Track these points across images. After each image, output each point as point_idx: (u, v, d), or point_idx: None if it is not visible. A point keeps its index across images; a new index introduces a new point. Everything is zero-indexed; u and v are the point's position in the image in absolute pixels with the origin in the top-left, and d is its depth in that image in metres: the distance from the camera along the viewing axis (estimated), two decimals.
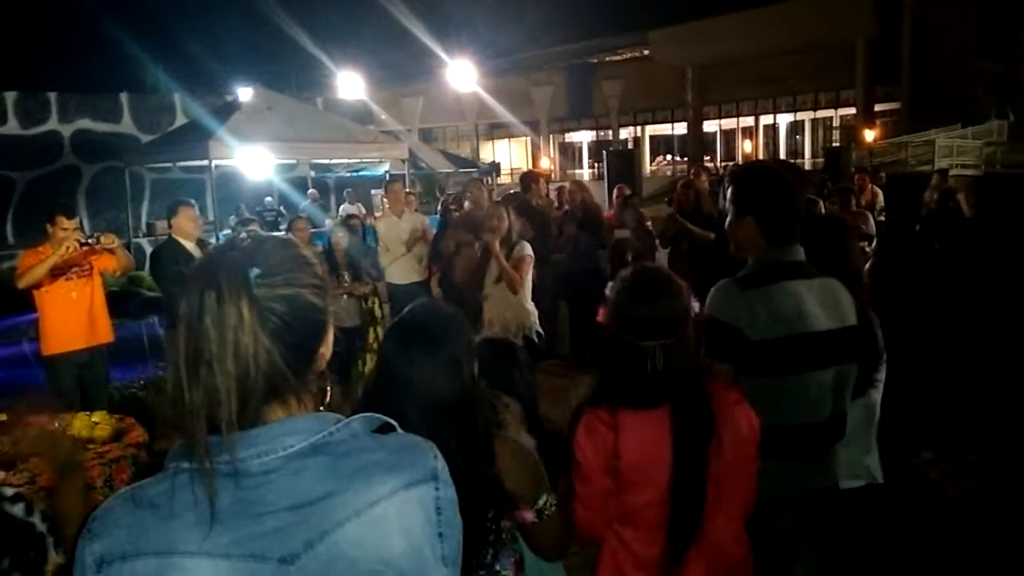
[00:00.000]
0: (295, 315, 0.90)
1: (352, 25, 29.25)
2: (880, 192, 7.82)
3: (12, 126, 12.10)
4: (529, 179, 6.91)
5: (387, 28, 25.95)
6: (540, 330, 4.67)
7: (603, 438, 1.55)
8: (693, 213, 6.32)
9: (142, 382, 5.89)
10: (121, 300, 10.10)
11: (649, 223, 6.67)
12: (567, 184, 7.49)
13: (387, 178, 12.44)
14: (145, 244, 12.56)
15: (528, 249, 4.69)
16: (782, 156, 28.50)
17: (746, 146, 29.66)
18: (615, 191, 7.05)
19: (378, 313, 6.30)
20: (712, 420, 1.54)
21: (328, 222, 12.86)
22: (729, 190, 1.99)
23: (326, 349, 0.96)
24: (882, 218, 7.55)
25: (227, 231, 11.33)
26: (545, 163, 25.85)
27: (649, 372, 1.54)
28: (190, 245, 5.08)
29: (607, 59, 30.56)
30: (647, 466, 1.54)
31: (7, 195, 12.07)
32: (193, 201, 5.36)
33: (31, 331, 5.00)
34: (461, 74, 24.18)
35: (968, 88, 20.49)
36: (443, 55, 24.37)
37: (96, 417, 3.18)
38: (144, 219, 13.33)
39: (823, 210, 5.88)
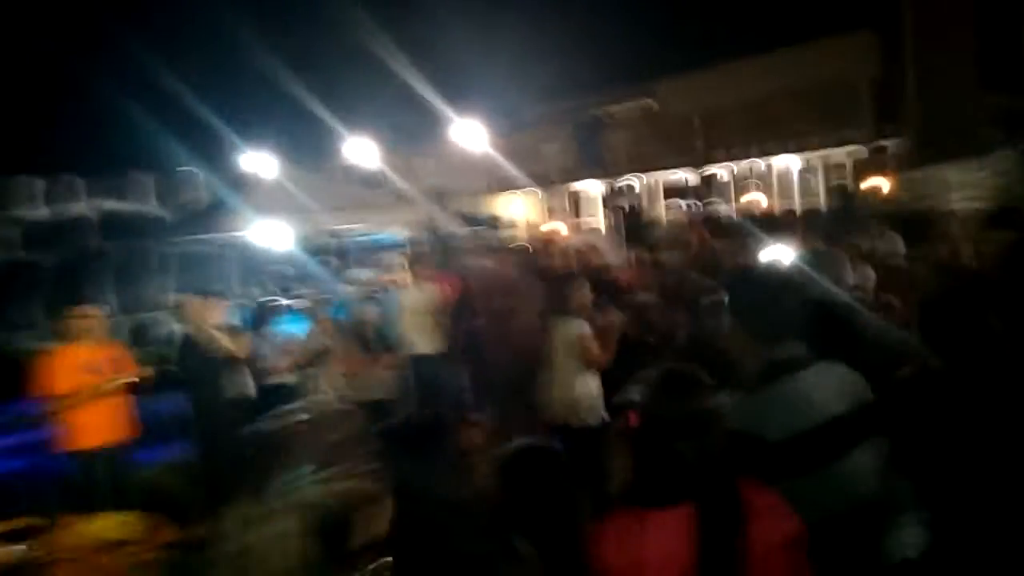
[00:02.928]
0: (347, 508, 0.90)
1: (362, 91, 29.98)
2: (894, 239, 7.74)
3: (43, 211, 12.48)
4: (548, 244, 7.02)
5: (396, 92, 26.57)
6: (607, 415, 4.34)
7: (629, 539, 1.56)
8: (710, 269, 6.39)
9: (167, 466, 5.96)
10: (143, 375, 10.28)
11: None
12: (580, 246, 7.60)
13: (406, 243, 12.65)
14: (168, 319, 12.75)
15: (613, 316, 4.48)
16: (796, 198, 28.59)
17: (756, 191, 29.78)
18: (632, 255, 7.12)
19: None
20: (739, 522, 1.53)
21: (349, 289, 13.07)
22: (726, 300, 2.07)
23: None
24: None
25: (245, 302, 11.52)
26: (552, 222, 26.07)
27: (679, 472, 1.56)
28: (216, 332, 5.25)
29: (614, 111, 31.06)
30: (668, 570, 1.55)
31: (38, 279, 12.36)
32: (220, 289, 5.55)
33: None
34: (470, 134, 24.64)
35: (973, 122, 20.56)
36: (451, 116, 24.85)
37: (127, 517, 3.23)
38: (168, 294, 13.55)
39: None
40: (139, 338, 12.71)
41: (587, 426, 4.36)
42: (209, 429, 5.24)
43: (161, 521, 3.45)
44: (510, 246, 14.69)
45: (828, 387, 1.91)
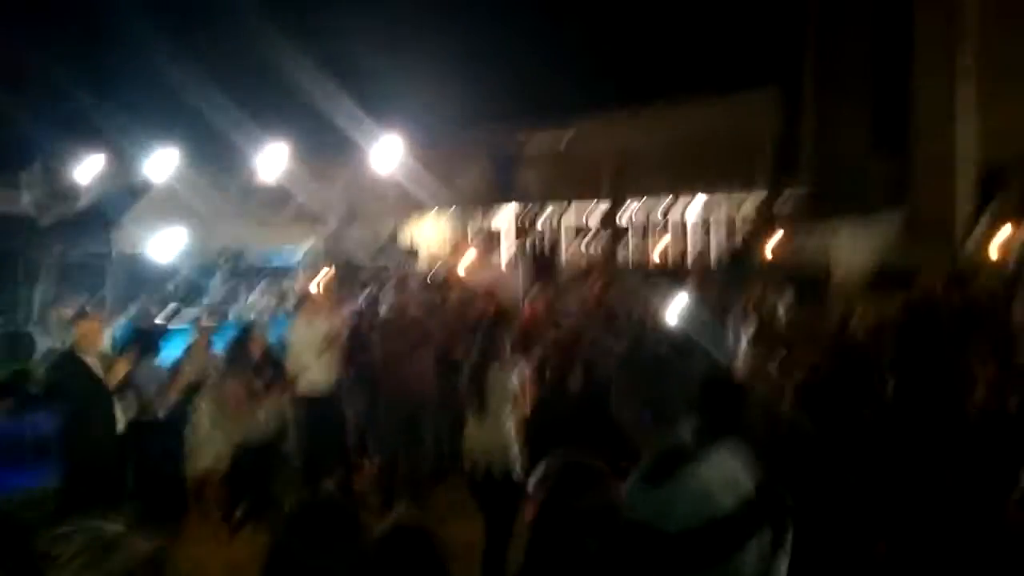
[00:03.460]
0: None
1: (274, 100, 29.17)
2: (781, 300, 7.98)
3: None
4: (440, 287, 6.91)
5: (311, 103, 25.99)
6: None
7: None
8: (605, 320, 6.40)
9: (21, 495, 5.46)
10: (4, 392, 9.45)
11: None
12: (479, 292, 7.51)
13: (303, 266, 12.24)
14: (37, 332, 11.83)
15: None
16: (690, 248, 29.65)
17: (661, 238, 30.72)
18: (533, 295, 7.06)
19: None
20: None
21: (236, 312, 12.51)
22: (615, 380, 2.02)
23: None
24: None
25: (123, 320, 10.84)
26: (461, 249, 26.05)
27: (580, 568, 1.55)
28: (90, 359, 4.87)
29: (529, 144, 31.50)
30: None
31: None
32: (100, 304, 5.15)
33: None
34: (384, 155, 24.34)
35: (863, 182, 21.82)
36: (367, 132, 24.48)
37: None
38: (36, 305, 12.59)
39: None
40: (6, 350, 11.75)
41: (509, 475, 4.27)
42: (75, 460, 4.80)
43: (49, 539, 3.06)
44: (415, 277, 14.51)
45: (725, 479, 1.91)
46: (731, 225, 28.99)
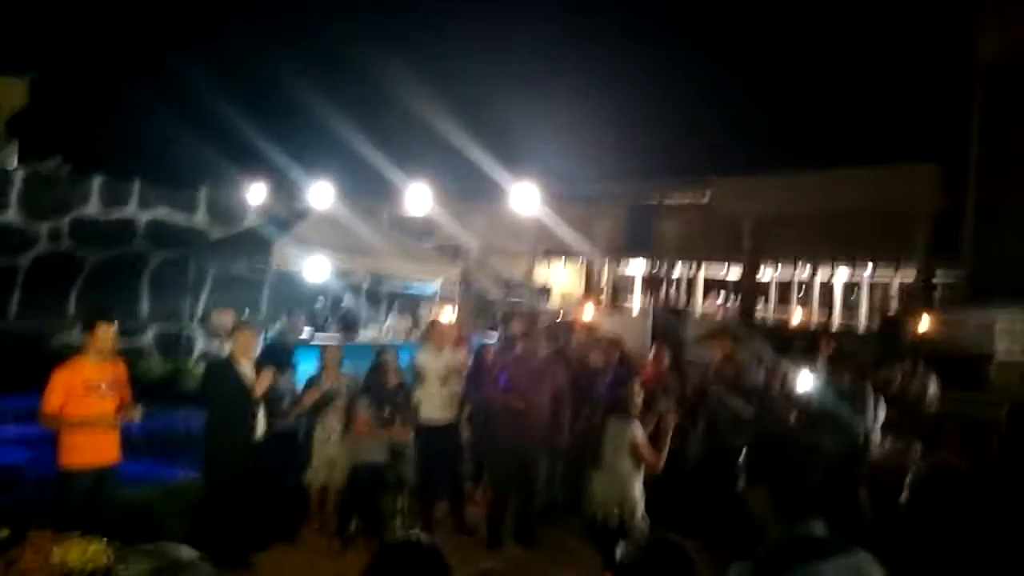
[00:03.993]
0: None
1: (423, 142, 30.65)
2: (930, 384, 7.48)
3: (93, 208, 12.81)
4: (569, 328, 6.96)
5: (457, 147, 27.13)
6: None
7: None
8: (732, 384, 6.24)
9: (162, 488, 5.90)
10: (162, 388, 10.31)
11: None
12: (605, 339, 7.50)
13: (438, 296, 12.68)
14: (198, 333, 12.89)
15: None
16: (837, 315, 28.20)
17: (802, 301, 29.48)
18: (655, 351, 6.99)
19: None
20: None
21: (372, 332, 13.11)
22: (744, 455, 1.94)
23: None
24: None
25: (273, 332, 11.60)
26: (590, 297, 26.00)
27: None
28: (244, 366, 5.23)
29: (666, 201, 31.35)
30: None
31: (75, 272, 12.62)
32: (252, 314, 5.55)
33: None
34: (523, 198, 24.89)
35: None
36: (509, 177, 25.13)
37: (94, 546, 3.17)
38: (201, 309, 13.74)
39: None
40: (167, 348, 12.87)
41: (624, 526, 4.34)
42: (215, 460, 5.18)
43: (125, 553, 3.38)
44: (544, 320, 14.64)
45: None
46: (881, 297, 27.43)
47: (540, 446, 5.91)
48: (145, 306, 13.54)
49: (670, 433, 4.57)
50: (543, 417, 5.90)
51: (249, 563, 5.20)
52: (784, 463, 1.83)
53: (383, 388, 6.11)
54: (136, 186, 13.34)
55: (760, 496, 1.82)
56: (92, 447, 4.41)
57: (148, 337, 12.91)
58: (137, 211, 13.27)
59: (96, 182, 12.91)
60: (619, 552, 1.52)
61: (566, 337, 7.27)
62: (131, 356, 12.10)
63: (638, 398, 4.59)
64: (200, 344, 12.68)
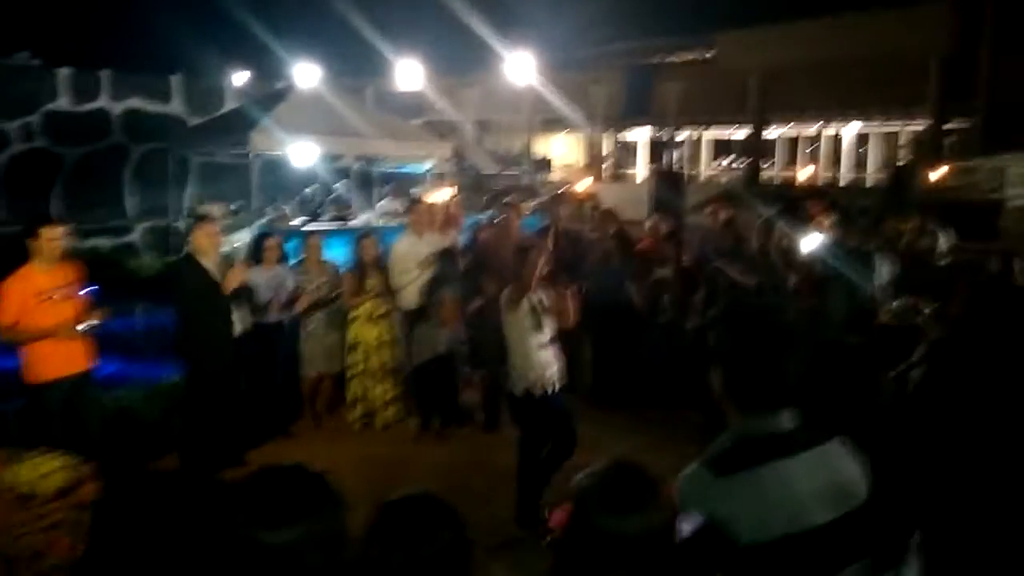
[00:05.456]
0: None
1: (412, 14, 29.12)
2: (940, 236, 7.13)
3: (63, 102, 12.22)
4: (556, 202, 6.62)
5: (447, 18, 25.79)
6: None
7: None
8: (732, 251, 5.95)
9: (142, 388, 5.77)
10: (154, 286, 10.14)
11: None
12: (597, 209, 7.16)
13: (428, 177, 12.25)
14: (186, 228, 12.59)
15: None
16: (844, 169, 27.52)
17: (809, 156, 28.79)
18: (652, 220, 6.66)
19: (386, 336, 6.09)
20: None
21: (365, 216, 12.80)
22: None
23: None
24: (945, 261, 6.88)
25: (264, 220, 11.30)
26: (589, 169, 25.43)
27: None
28: (208, 263, 4.98)
29: (668, 60, 29.95)
30: None
31: (55, 171, 12.21)
32: (215, 213, 5.24)
33: None
34: (519, 68, 23.84)
35: None
36: (502, 47, 24.02)
37: (45, 466, 3.00)
38: (187, 202, 13.39)
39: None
40: (156, 244, 12.63)
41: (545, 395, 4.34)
42: (191, 359, 5.00)
43: (86, 475, 3.23)
44: (542, 191, 14.20)
45: (819, 484, 1.50)
46: (889, 150, 26.66)
47: None
48: (131, 202, 13.18)
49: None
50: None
51: (244, 461, 5.12)
52: (741, 340, 1.53)
53: (362, 263, 5.94)
54: (106, 76, 12.69)
55: (718, 379, 1.55)
56: (59, 357, 4.20)
57: (137, 234, 12.64)
58: (110, 102, 12.67)
59: (64, 74, 12.27)
60: (576, 480, 1.28)
61: (559, 211, 6.93)
62: (122, 254, 12.00)
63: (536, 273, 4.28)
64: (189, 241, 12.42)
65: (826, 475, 1.53)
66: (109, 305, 4.47)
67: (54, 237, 4.18)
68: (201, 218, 5.48)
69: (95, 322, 4.27)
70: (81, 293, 4.34)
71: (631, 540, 1.19)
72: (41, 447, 3.52)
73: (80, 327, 4.20)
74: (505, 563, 3.84)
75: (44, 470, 2.94)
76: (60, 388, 4.22)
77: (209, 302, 4.88)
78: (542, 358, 4.28)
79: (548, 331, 4.30)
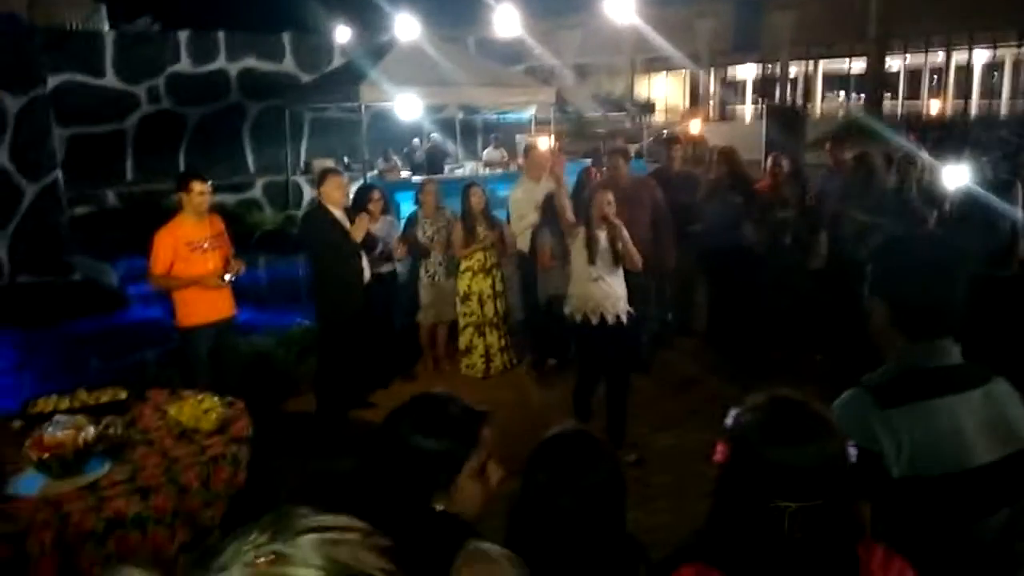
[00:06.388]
0: None
1: None
2: None
3: (184, 65, 12.82)
4: (669, 144, 6.45)
5: None
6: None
7: None
8: (861, 190, 5.66)
9: (277, 334, 6.09)
10: (276, 239, 10.63)
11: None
12: (715, 150, 6.94)
13: (533, 122, 12.18)
14: (302, 181, 13.09)
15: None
16: (975, 98, 25.53)
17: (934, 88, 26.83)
18: (771, 159, 6.41)
19: (499, 287, 6.17)
20: None
21: (472, 165, 12.90)
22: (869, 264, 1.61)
23: None
24: None
25: (375, 172, 11.58)
26: (696, 109, 24.52)
27: (783, 542, 1.18)
28: (338, 213, 5.17)
29: None
30: None
31: (180, 131, 12.87)
32: (341, 170, 5.39)
33: None
34: (619, 4, 23.12)
35: None
36: None
37: (206, 404, 3.24)
38: (303, 157, 13.87)
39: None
40: (274, 199, 13.20)
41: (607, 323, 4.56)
42: (324, 306, 5.25)
43: (240, 411, 3.47)
44: (647, 137, 13.85)
45: (985, 423, 1.46)
46: (1021, 78, 24.50)
47: (644, 271, 5.65)
48: (250, 159, 13.77)
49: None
50: (643, 241, 5.57)
51: (369, 403, 5.37)
52: (909, 273, 1.52)
53: (471, 212, 6.01)
54: (222, 37, 13.19)
55: (880, 311, 1.53)
56: (206, 304, 4.50)
57: (257, 189, 13.21)
58: (226, 63, 13.19)
59: (183, 36, 12.83)
60: (735, 415, 1.29)
61: (671, 153, 6.75)
62: (243, 209, 12.59)
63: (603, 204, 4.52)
64: (307, 193, 12.88)
65: (992, 415, 1.49)
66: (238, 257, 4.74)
67: (203, 191, 4.45)
68: (329, 170, 5.66)
69: (239, 271, 4.54)
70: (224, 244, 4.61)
71: (807, 471, 1.18)
72: (202, 386, 3.82)
73: (225, 277, 4.48)
74: None
75: (204, 407, 3.19)
76: (207, 333, 4.53)
77: (340, 250, 5.09)
78: (590, 289, 4.52)
79: (604, 266, 4.50)
